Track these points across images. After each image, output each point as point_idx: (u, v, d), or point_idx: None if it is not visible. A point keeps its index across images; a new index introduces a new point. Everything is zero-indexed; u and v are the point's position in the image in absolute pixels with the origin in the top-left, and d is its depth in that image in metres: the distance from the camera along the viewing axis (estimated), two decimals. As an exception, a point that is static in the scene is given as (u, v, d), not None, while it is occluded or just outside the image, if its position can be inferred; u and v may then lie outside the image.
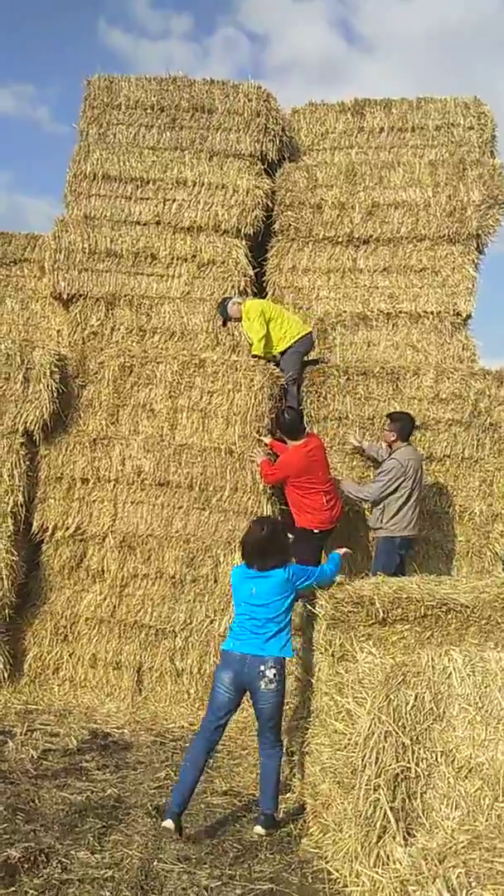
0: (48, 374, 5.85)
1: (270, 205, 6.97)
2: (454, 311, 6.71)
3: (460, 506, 6.15)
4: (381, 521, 5.54)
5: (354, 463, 6.13)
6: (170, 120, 6.98)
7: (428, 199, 6.83)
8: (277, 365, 6.22)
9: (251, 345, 6.20)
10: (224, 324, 6.43)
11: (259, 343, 6.10)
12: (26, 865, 3.21)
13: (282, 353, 6.21)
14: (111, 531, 5.90)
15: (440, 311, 6.72)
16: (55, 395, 5.87)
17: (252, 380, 5.93)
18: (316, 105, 7.64)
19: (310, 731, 3.72)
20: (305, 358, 6.41)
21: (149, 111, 7.00)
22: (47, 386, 5.83)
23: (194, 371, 6.02)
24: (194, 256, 6.74)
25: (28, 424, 5.85)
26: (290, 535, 5.92)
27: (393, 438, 5.65)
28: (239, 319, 6.30)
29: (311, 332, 6.36)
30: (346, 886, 2.98)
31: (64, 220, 6.80)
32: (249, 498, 5.84)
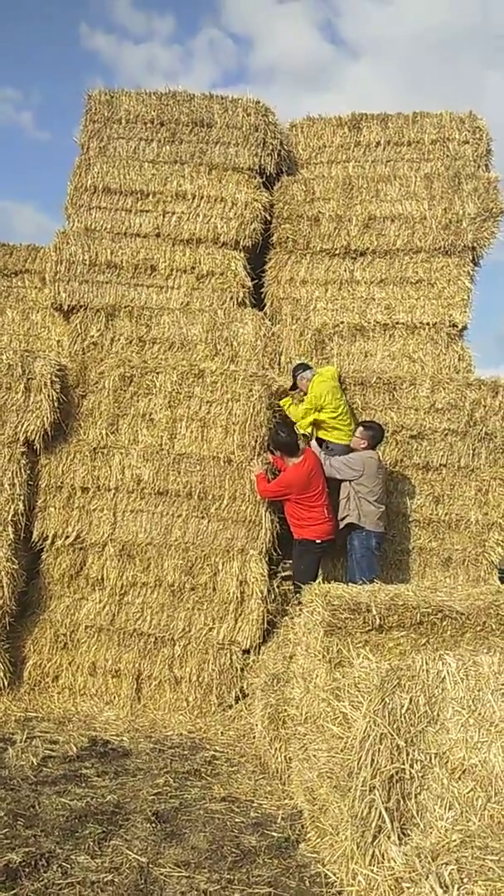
0: (49, 384, 5.91)
1: (268, 217, 7.07)
2: (450, 322, 6.80)
3: (457, 515, 6.21)
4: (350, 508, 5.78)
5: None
6: (169, 134, 7.09)
7: (424, 211, 6.93)
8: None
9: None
10: (293, 388, 6.31)
11: (301, 421, 6.15)
12: (27, 869, 3.24)
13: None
14: (111, 539, 5.96)
15: (436, 323, 6.81)
16: (56, 404, 5.92)
17: (250, 390, 5.99)
18: (313, 119, 7.75)
19: (307, 736, 3.76)
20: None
21: (149, 125, 7.11)
22: (48, 396, 5.89)
23: (193, 381, 6.09)
24: (193, 268, 6.84)
25: (29, 434, 5.91)
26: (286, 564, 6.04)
27: (364, 445, 5.82)
28: (304, 392, 6.19)
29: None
30: (343, 889, 3.02)
31: (65, 232, 6.91)
32: (248, 507, 5.90)
